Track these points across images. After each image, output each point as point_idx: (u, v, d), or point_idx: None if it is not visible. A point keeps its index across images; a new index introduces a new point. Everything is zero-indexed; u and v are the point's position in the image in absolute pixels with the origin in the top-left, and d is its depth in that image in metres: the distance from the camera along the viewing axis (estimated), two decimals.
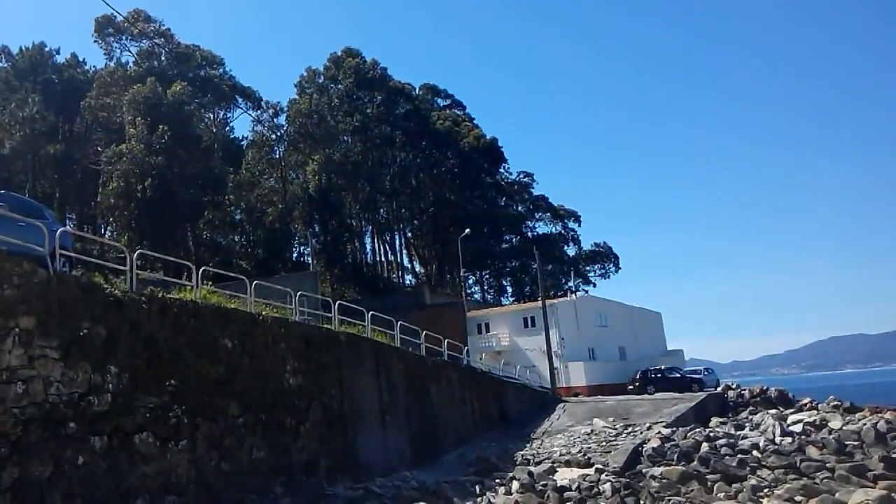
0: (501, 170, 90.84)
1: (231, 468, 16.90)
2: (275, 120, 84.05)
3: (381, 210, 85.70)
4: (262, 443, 18.29)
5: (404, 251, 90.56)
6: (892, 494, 19.71)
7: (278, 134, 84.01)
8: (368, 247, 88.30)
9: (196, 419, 15.90)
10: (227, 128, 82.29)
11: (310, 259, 73.78)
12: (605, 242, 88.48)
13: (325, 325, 24.65)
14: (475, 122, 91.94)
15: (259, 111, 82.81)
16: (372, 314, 28.58)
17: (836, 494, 20.14)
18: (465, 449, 29.89)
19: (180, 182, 57.99)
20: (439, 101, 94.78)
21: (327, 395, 22.02)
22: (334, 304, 26.28)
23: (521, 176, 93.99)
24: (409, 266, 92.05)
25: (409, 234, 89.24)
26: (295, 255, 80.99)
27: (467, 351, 41.15)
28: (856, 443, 27.91)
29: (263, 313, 20.46)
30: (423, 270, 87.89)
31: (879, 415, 33.58)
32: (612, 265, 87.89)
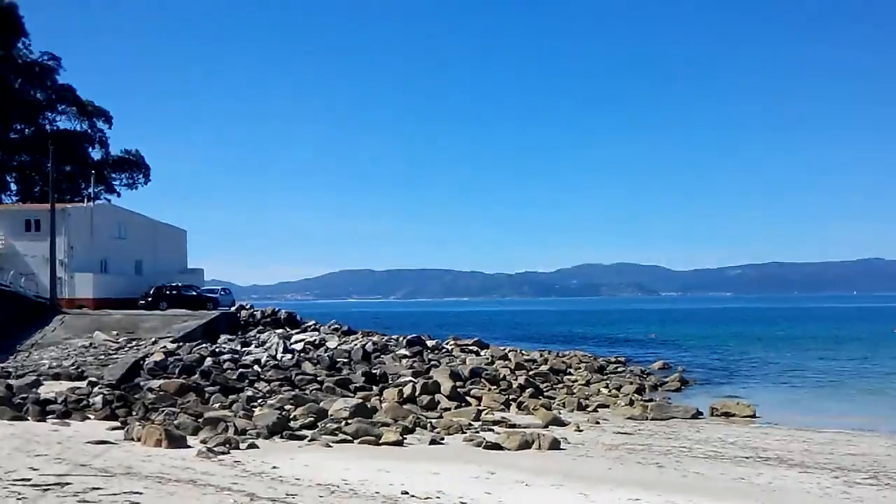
0: (20, 45, 74.99)
1: None
2: None
3: None
4: None
5: None
6: (366, 403, 21.36)
7: None
8: None
9: None
10: None
11: None
12: (136, 150, 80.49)
13: None
14: None
15: None
16: None
17: (321, 403, 21.38)
18: None
19: None
20: None
21: None
22: None
23: (46, 58, 78.56)
24: None
25: None
26: None
27: None
28: (346, 360, 30.24)
29: None
30: None
31: (369, 337, 36.78)
32: (141, 175, 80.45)
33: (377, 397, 24.00)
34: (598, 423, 22.41)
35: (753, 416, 24.27)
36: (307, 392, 24.15)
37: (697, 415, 24.23)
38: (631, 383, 31.31)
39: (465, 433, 19.28)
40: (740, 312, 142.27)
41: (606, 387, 30.56)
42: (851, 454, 17.68)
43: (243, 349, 31.95)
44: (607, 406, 26.12)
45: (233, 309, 44.04)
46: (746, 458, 17.08)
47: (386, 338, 38.75)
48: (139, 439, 16.76)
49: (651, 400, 27.28)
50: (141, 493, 11.46)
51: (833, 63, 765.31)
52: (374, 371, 28.00)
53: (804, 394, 30.83)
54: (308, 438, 17.76)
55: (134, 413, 20.44)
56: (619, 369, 37.53)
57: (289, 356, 30.17)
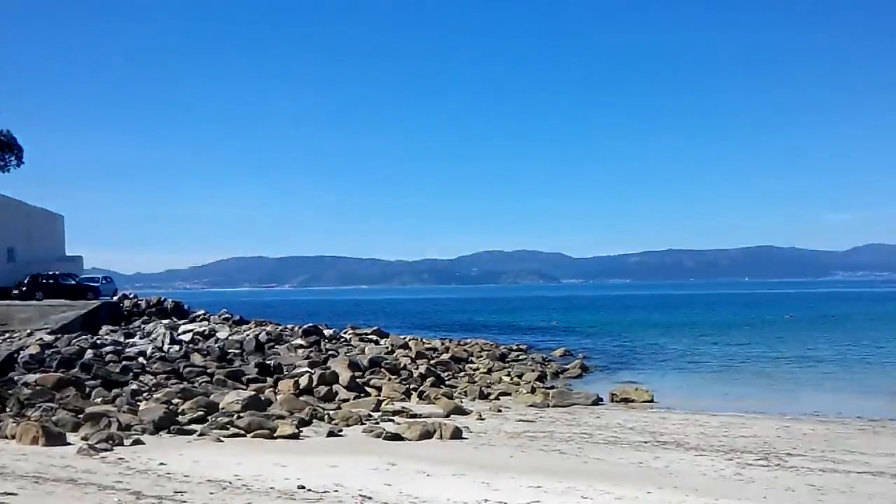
0: None
1: None
2: None
3: None
4: None
5: None
6: (260, 395, 21.09)
7: None
8: None
9: None
10: None
11: None
12: (8, 131, 77.08)
13: None
14: None
15: None
16: None
17: (212, 396, 20.92)
18: None
19: None
20: None
21: None
22: None
23: None
24: None
25: None
26: None
27: None
28: (238, 351, 29.73)
29: None
30: None
31: (262, 326, 36.27)
32: (13, 157, 77.10)
33: (271, 389, 23.69)
34: (500, 411, 22.77)
35: (651, 401, 25.15)
36: (196, 385, 23.62)
37: (598, 401, 24.93)
38: (532, 371, 31.93)
39: (365, 424, 19.26)
40: (639, 299, 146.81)
41: (508, 375, 31.07)
42: (744, 436, 18.54)
43: (127, 341, 30.94)
44: (509, 394, 26.57)
45: (115, 298, 42.81)
46: (645, 442, 17.68)
47: (280, 327, 38.28)
48: (13, 437, 16.10)
49: (552, 387, 27.91)
50: (15, 494, 11.00)
51: (715, 53, 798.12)
52: (267, 362, 27.62)
53: (700, 378, 32.12)
54: (198, 433, 17.38)
55: (8, 409, 19.60)
56: (520, 357, 38.18)
57: (176, 347, 29.39)
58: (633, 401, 25.13)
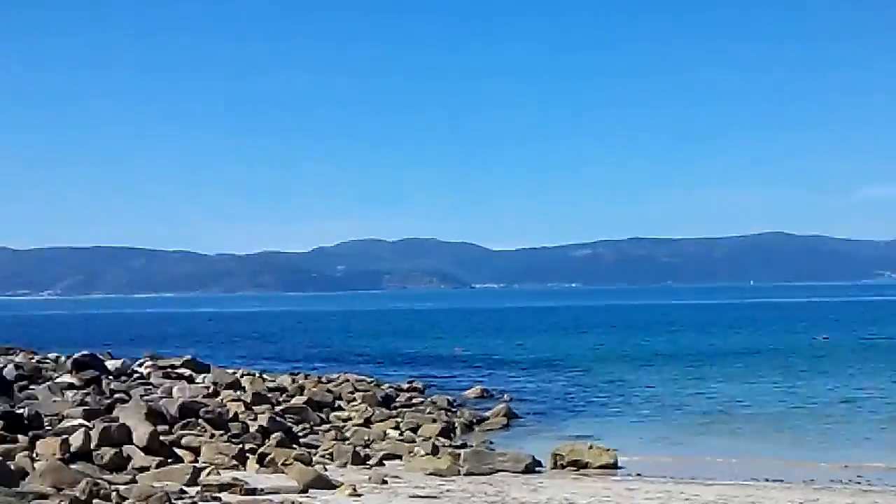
0: None
1: None
2: None
3: None
4: None
5: None
6: (8, 462, 20.69)
7: None
8: None
9: None
10: None
11: None
12: None
13: None
14: None
15: None
16: None
17: None
18: None
19: None
20: None
21: None
22: None
23: None
24: None
25: None
26: None
27: None
28: None
29: None
30: None
31: (9, 356, 35.66)
32: None
33: (26, 453, 23.08)
34: (385, 482, 22.75)
35: (615, 465, 25.61)
36: None
37: (534, 466, 25.21)
38: (434, 421, 32.11)
39: None
40: (591, 313, 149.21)
41: (396, 427, 31.21)
42: None
43: None
44: (399, 456, 26.64)
45: None
46: None
47: (38, 357, 37.44)
48: None
49: (465, 445, 28.13)
50: None
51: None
52: (19, 410, 26.90)
53: (685, 431, 32.74)
54: None
55: None
56: (414, 400, 38.42)
57: None
58: (586, 465, 25.52)
